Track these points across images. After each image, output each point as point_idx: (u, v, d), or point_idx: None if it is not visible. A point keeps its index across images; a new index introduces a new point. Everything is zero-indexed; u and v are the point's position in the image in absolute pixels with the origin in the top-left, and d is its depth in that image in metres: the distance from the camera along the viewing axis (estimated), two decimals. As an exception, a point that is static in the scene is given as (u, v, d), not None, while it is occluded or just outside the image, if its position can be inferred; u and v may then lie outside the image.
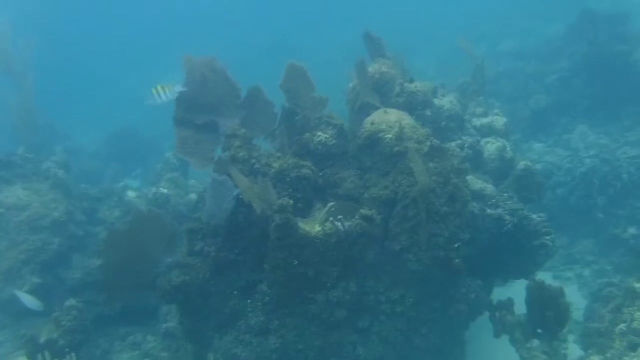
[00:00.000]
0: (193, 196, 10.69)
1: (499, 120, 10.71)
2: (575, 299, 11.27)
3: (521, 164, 9.53)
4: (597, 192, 12.77)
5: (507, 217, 8.37)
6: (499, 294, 8.69)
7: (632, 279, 7.80)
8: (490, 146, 10.07)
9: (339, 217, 6.13)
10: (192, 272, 6.70)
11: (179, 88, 6.74)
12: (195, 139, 6.92)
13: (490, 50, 23.14)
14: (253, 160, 6.78)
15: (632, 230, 11.73)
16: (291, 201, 6.17)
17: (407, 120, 7.34)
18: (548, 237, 8.94)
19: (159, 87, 6.42)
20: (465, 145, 9.48)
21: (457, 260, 6.84)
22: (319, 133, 7.17)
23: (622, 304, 7.51)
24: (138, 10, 49.24)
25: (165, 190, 10.61)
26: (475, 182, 8.89)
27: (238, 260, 6.76)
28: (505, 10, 30.58)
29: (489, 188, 9.02)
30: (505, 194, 8.78)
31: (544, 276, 12.05)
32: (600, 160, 13.37)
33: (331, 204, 6.39)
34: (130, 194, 11.69)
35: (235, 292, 6.78)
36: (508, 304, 7.53)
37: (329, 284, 6.40)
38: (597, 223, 12.63)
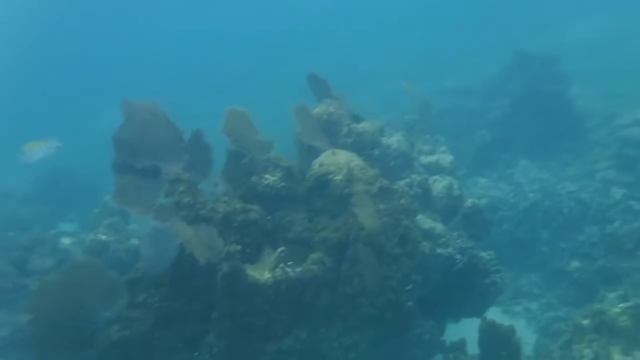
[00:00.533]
0: (135, 242, 10.34)
1: (446, 158, 11.05)
2: (525, 333, 11.59)
3: (469, 202, 9.83)
4: (540, 226, 13.33)
5: (458, 256, 8.58)
6: (451, 333, 8.85)
7: (579, 315, 8.10)
8: (438, 184, 10.34)
9: (289, 262, 6.08)
10: (134, 325, 6.42)
11: (55, 144, 6.51)
12: (136, 185, 6.74)
13: (434, 87, 24.13)
14: (198, 206, 6.67)
15: (575, 263, 12.23)
16: (239, 247, 6.08)
17: (356, 161, 7.47)
18: (498, 275, 9.23)
19: (33, 144, 6.15)
20: (414, 184, 9.72)
21: (410, 303, 6.90)
22: (267, 175, 7.18)
23: (571, 340, 7.76)
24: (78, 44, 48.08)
25: (103, 237, 10.22)
26: (425, 221, 9.07)
27: (184, 310, 6.55)
28: (445, 50, 32.14)
29: (439, 227, 9.21)
30: (455, 233, 9.00)
31: (494, 311, 12.37)
32: (543, 195, 14.03)
33: (281, 248, 6.34)
34: (65, 240, 11.21)
35: (180, 345, 6.54)
36: (461, 345, 7.62)
37: (280, 333, 6.29)
38: (542, 256, 13.15)
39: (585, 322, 7.78)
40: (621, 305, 7.96)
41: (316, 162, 7.37)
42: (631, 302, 7.86)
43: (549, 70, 16.61)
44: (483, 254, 8.90)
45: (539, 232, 13.33)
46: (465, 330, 8.54)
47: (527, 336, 11.48)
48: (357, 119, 8.54)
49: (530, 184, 15.04)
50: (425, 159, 11.26)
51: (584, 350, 7.37)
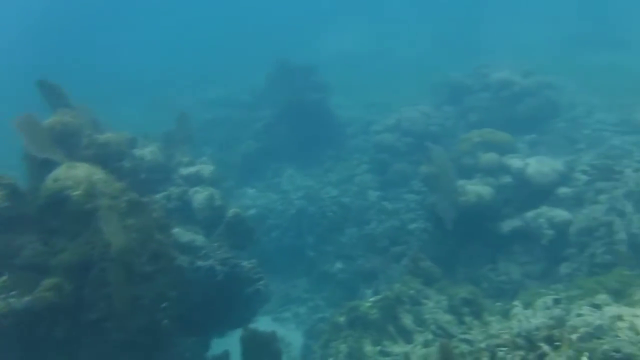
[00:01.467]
0: None
1: (206, 169, 11.15)
2: (295, 338, 12.35)
3: (231, 212, 10.07)
4: (306, 231, 14.32)
5: (219, 267, 8.71)
6: (218, 347, 8.95)
7: (337, 314, 8.90)
8: (199, 195, 10.36)
9: (12, 292, 5.48)
10: None
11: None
12: None
13: (198, 98, 24.36)
14: None
15: (338, 264, 13.41)
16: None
17: (98, 174, 7.07)
18: (261, 283, 9.62)
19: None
20: (172, 196, 9.63)
21: (165, 322, 6.77)
22: (-15, 196, 6.37)
23: (329, 339, 8.46)
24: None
25: None
26: (184, 234, 9.04)
27: None
28: (210, 61, 32.78)
29: (200, 239, 9.24)
30: (216, 244, 9.13)
31: (264, 320, 12.91)
32: (308, 201, 15.10)
33: (3, 278, 5.68)
34: None
35: None
36: (224, 357, 7.73)
37: (8, 376, 5.62)
38: (310, 261, 14.12)
39: (341, 319, 8.56)
40: (371, 299, 8.98)
41: (50, 177, 6.79)
42: (380, 295, 8.91)
43: (309, 80, 18.06)
44: (245, 263, 9.19)
45: (306, 238, 14.27)
46: (232, 343, 8.71)
47: (296, 340, 12.29)
48: (98, 128, 8.12)
49: (296, 191, 16.07)
50: (185, 170, 11.19)
51: (340, 346, 8.09)
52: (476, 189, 10.60)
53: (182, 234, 8.89)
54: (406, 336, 8.02)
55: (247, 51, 32.25)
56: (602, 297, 6.92)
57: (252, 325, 8.54)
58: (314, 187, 16.11)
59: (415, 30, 38.35)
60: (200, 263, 8.71)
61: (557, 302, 7.49)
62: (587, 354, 4.87)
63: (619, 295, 6.99)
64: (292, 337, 12.44)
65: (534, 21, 34.12)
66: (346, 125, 19.95)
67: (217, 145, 19.21)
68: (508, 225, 10.60)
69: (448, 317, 8.10)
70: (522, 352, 5.12)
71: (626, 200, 8.62)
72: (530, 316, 7.17)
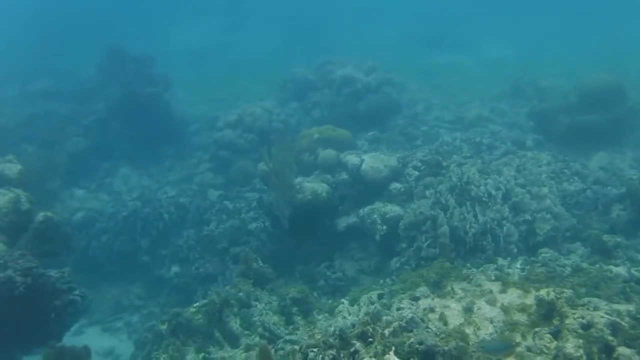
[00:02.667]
0: None
1: (12, 168, 10.06)
2: (126, 349, 11.57)
3: (40, 216, 9.16)
4: (140, 235, 13.52)
5: (19, 278, 7.83)
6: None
7: (160, 321, 8.40)
8: (2, 198, 9.35)
9: None
10: None
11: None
12: None
13: (22, 90, 22.23)
14: None
15: (175, 268, 12.82)
16: None
17: None
18: (75, 293, 8.83)
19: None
20: None
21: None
22: None
23: (151, 349, 7.96)
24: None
25: None
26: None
27: None
28: (32, 50, 30.26)
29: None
30: (18, 252, 8.20)
31: (93, 330, 12.08)
32: (143, 203, 14.29)
33: None
34: None
35: None
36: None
37: None
38: (144, 266, 13.36)
39: (164, 327, 8.09)
40: (196, 304, 8.61)
41: None
42: (205, 300, 8.57)
43: (144, 72, 17.10)
44: (53, 273, 8.36)
45: (139, 242, 13.49)
46: None
47: (128, 351, 11.52)
48: None
49: (130, 192, 15.22)
50: (-16, 172, 10.05)
51: (161, 356, 7.63)
52: (313, 185, 10.66)
53: (-29, 244, 7.89)
54: (233, 341, 7.78)
55: (83, 40, 30.08)
56: (422, 290, 7.23)
57: (75, 337, 7.77)
58: (150, 188, 15.36)
59: (267, 26, 38.60)
60: (-4, 275, 7.77)
61: (380, 297, 7.70)
62: (393, 348, 4.94)
63: (437, 287, 7.34)
64: (123, 348, 11.70)
65: (382, 21, 36.05)
66: (190, 121, 19.35)
67: (40, 142, 17.57)
68: (344, 221, 10.83)
69: (276, 318, 8.00)
70: (333, 352, 5.08)
71: (449, 194, 9.14)
72: (354, 313, 7.27)
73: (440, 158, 10.77)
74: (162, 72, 18.03)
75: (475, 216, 8.72)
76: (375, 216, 10.25)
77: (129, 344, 11.71)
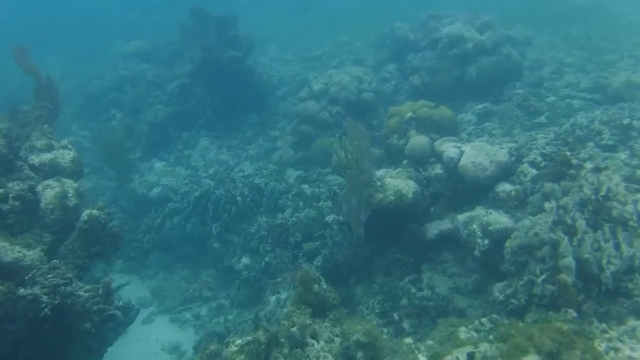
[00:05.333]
0: None
1: (66, 156, 8.82)
2: (192, 344, 10.58)
3: (85, 215, 7.86)
4: (211, 219, 12.15)
5: (45, 297, 6.60)
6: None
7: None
8: (50, 192, 8.16)
9: None
10: None
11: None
12: None
13: (122, 49, 21.58)
14: None
15: (245, 260, 11.35)
16: None
17: None
18: (113, 308, 7.62)
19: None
20: (11, 195, 7.39)
21: None
22: None
23: None
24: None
25: None
26: (12, 249, 6.90)
27: None
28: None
29: (31, 256, 7.09)
30: (46, 266, 6.95)
31: (162, 320, 11.38)
32: (216, 182, 12.90)
33: None
34: None
35: None
36: None
37: None
38: (214, 253, 12.07)
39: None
40: (238, 341, 6.95)
41: None
42: (249, 337, 6.89)
43: (225, 34, 15.35)
44: (82, 292, 7.06)
45: (210, 226, 12.14)
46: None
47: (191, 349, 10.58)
48: None
49: (207, 167, 13.84)
50: (37, 158, 8.89)
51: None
52: (397, 183, 8.45)
53: (7, 249, 6.77)
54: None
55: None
56: (530, 362, 4.98)
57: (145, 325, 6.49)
58: (227, 163, 13.87)
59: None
60: (23, 291, 6.61)
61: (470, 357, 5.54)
62: None
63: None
64: (189, 344, 10.71)
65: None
66: (277, 84, 17.54)
67: (128, 108, 16.72)
68: (435, 227, 8.58)
69: (335, 366, 6.13)
70: None
71: (579, 211, 6.59)
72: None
73: (569, 153, 8.05)
74: (246, 32, 16.14)
75: (617, 247, 6.13)
76: (475, 226, 7.92)
77: (195, 340, 10.75)
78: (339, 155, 8.51)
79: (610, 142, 8.94)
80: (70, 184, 8.53)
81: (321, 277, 7.55)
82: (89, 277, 11.38)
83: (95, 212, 8.06)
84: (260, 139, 14.81)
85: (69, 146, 9.42)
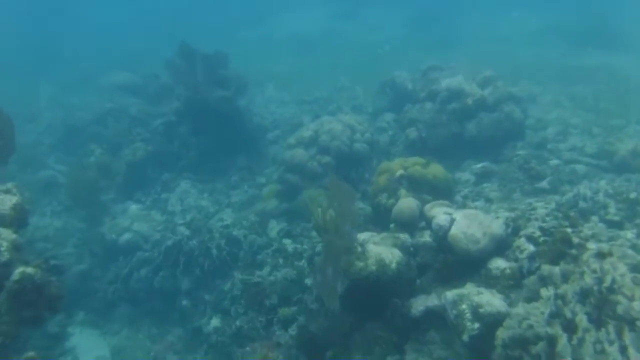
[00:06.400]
0: None
1: (7, 202, 8.15)
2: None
3: (16, 274, 7.15)
4: (182, 273, 11.44)
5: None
6: None
7: None
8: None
9: None
10: None
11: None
12: None
13: (109, 81, 21.25)
14: None
15: (215, 321, 10.61)
16: None
17: None
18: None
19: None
20: None
21: None
22: None
23: None
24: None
25: None
26: None
27: None
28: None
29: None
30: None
31: None
32: (192, 231, 12.24)
33: None
34: None
35: None
36: None
37: None
38: (182, 311, 11.32)
39: None
40: None
41: None
42: None
43: (215, 73, 14.93)
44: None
45: (181, 280, 11.42)
46: None
47: None
48: None
49: (184, 213, 13.18)
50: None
51: None
52: (379, 251, 7.80)
53: None
54: None
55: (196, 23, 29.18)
56: None
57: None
58: (207, 210, 13.23)
59: (386, 12, 35.50)
60: None
61: None
62: None
63: None
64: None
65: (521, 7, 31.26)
66: (270, 127, 17.06)
67: (108, 144, 16.19)
68: (421, 303, 7.87)
69: None
70: None
71: (580, 303, 5.94)
72: None
73: (571, 230, 7.43)
74: (239, 72, 15.73)
75: (623, 351, 5.43)
76: (464, 307, 7.21)
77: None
78: (315, 216, 7.88)
79: (616, 218, 8.36)
80: (6, 235, 7.82)
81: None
82: (42, 331, 10.72)
83: (29, 269, 7.29)
84: (246, 184, 14.22)
85: (14, 190, 8.74)
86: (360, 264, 7.65)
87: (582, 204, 8.76)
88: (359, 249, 7.89)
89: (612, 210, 8.52)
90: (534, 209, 8.88)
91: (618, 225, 8.22)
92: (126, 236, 12.58)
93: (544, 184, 10.72)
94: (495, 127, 12.47)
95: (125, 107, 17.41)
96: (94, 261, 12.65)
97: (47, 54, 31.33)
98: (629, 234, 7.84)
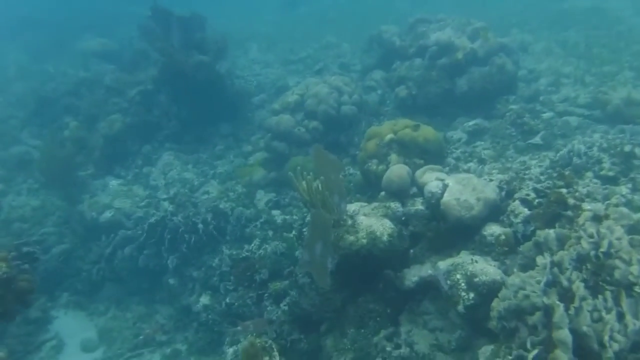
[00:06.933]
0: None
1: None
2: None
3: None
4: (167, 250, 11.31)
5: None
6: None
7: None
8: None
9: None
10: None
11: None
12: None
13: (82, 47, 20.62)
14: None
15: (204, 299, 10.53)
16: None
17: None
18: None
19: None
20: None
21: None
22: None
23: None
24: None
25: None
26: None
27: None
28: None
29: None
30: None
31: None
32: (176, 206, 12.04)
33: None
34: None
35: None
36: None
37: None
38: (170, 290, 11.24)
39: None
40: None
41: None
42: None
43: (192, 37, 14.43)
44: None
45: (166, 259, 11.29)
46: None
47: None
48: None
49: (168, 187, 12.97)
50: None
51: None
52: (370, 223, 7.66)
53: None
54: None
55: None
56: None
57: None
58: (192, 183, 13.00)
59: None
60: None
61: None
62: None
63: None
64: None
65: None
66: (255, 91, 16.71)
67: (84, 115, 15.80)
68: (415, 274, 7.81)
69: None
70: None
71: (576, 270, 5.84)
72: None
73: (565, 191, 7.29)
74: (218, 34, 15.22)
75: (621, 318, 5.37)
76: (459, 276, 7.13)
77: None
78: (300, 191, 7.70)
79: (611, 173, 8.23)
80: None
81: (274, 346, 6.82)
82: (22, 317, 10.63)
83: (-4, 263, 7.18)
84: (232, 153, 13.97)
85: None
86: (351, 238, 7.53)
87: (576, 160, 8.61)
88: (349, 221, 7.76)
89: (606, 165, 8.39)
90: (528, 167, 8.78)
91: (613, 181, 8.10)
92: (107, 214, 12.37)
93: (537, 139, 10.54)
94: (486, 81, 12.21)
95: (100, 75, 16.92)
96: (76, 240, 12.47)
97: (15, 17, 30.20)
98: (624, 189, 7.74)
